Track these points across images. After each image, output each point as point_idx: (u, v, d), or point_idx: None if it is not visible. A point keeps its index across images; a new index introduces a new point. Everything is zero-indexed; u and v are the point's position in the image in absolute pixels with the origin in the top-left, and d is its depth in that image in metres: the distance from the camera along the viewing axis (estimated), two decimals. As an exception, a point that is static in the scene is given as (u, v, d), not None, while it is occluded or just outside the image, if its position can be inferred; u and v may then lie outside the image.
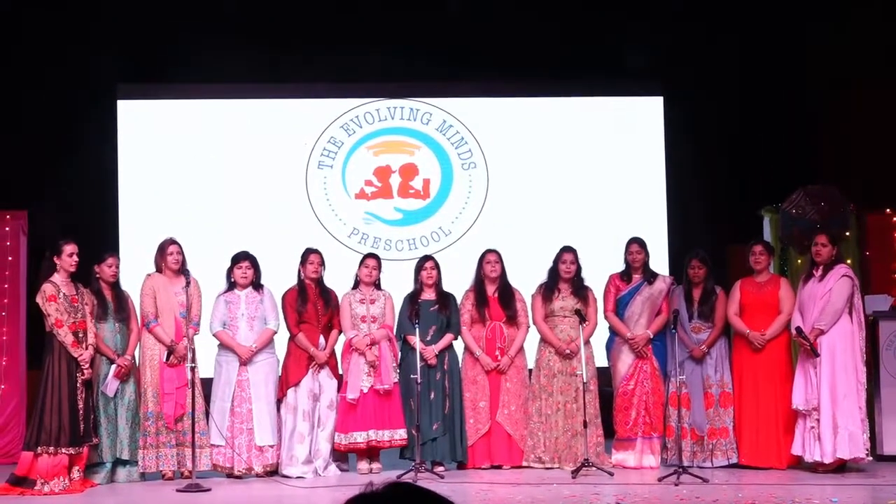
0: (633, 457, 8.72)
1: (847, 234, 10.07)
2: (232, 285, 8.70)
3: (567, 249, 9.00)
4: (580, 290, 8.90)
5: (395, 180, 11.29)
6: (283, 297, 8.72)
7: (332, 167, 11.23)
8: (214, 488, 7.90)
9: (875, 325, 9.01)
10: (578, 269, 8.95)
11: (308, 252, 8.83)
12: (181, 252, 8.69)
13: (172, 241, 8.73)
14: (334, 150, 11.23)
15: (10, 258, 9.96)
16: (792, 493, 7.27)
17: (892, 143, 10.31)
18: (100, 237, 10.06)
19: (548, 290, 8.92)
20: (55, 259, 8.07)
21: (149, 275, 8.68)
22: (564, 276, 8.91)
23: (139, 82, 11.14)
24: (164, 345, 8.45)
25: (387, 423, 8.55)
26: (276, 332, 8.70)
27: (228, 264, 8.73)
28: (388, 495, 1.75)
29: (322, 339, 8.65)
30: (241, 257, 8.72)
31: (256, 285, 8.71)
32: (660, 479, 7.90)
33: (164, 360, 8.42)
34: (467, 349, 8.91)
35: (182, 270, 8.60)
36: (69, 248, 8.08)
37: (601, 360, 9.02)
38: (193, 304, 8.57)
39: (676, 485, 7.65)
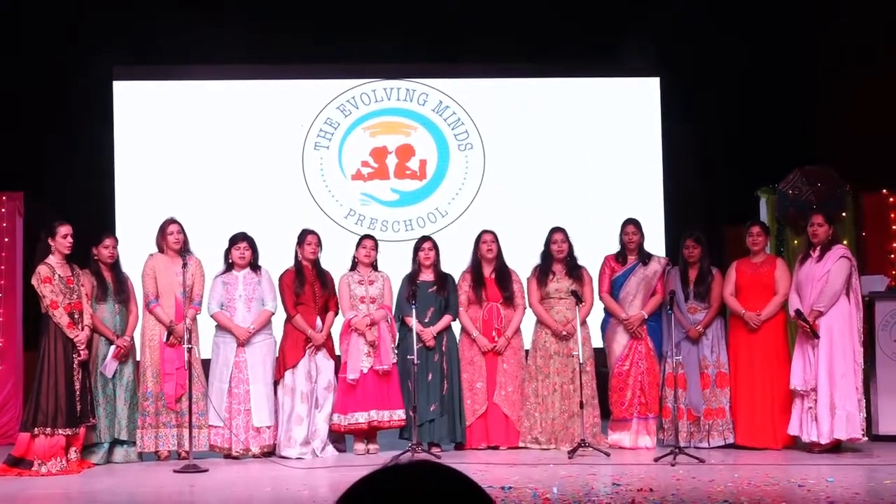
0: (629, 437, 8.74)
1: (843, 214, 10.07)
2: (229, 266, 8.70)
3: (556, 230, 9.00)
4: (575, 271, 8.90)
5: (391, 161, 11.27)
6: (280, 279, 8.72)
7: (329, 148, 11.21)
8: (212, 469, 7.91)
9: (871, 306, 9.02)
10: (570, 248, 8.94)
11: (305, 233, 8.82)
12: (182, 232, 8.69)
13: (173, 221, 8.72)
14: (331, 131, 11.21)
15: (6, 239, 9.94)
16: (788, 474, 7.30)
17: (888, 123, 10.30)
18: (97, 218, 10.05)
19: (542, 273, 8.92)
20: (50, 240, 8.06)
21: (150, 255, 8.69)
22: (557, 256, 8.91)
23: (135, 64, 11.10)
24: (164, 325, 8.47)
25: (386, 403, 8.56)
26: (273, 314, 8.70)
27: (226, 245, 8.72)
28: (415, 471, 1.75)
29: (319, 321, 8.65)
30: (239, 238, 8.71)
31: (254, 266, 8.70)
32: (656, 460, 7.93)
33: (165, 340, 8.43)
34: (464, 330, 8.91)
35: (183, 250, 8.59)
36: (63, 230, 8.06)
37: (597, 341, 9.03)
38: (196, 284, 8.57)
39: (673, 465, 7.68)
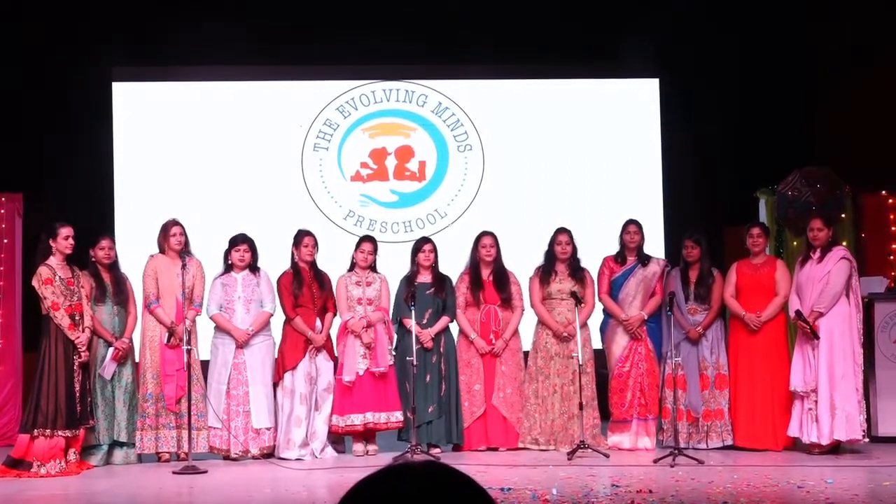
0: (628, 438, 8.73)
1: (843, 215, 10.07)
2: (228, 268, 8.69)
3: (562, 231, 9.00)
4: (577, 272, 8.90)
5: (390, 162, 11.27)
6: (278, 281, 8.71)
7: (328, 149, 11.20)
8: (211, 470, 7.91)
9: (870, 307, 9.02)
10: (574, 249, 8.94)
11: (301, 234, 8.81)
12: (184, 233, 8.68)
13: (175, 223, 8.71)
14: (330, 133, 11.21)
15: (5, 241, 9.93)
16: (787, 475, 7.29)
17: (888, 124, 10.30)
18: (96, 220, 10.05)
19: (545, 273, 8.92)
20: (51, 242, 8.05)
21: (151, 256, 8.68)
22: (561, 257, 8.91)
23: (135, 65, 11.10)
24: (165, 326, 8.46)
25: (383, 405, 8.55)
26: (272, 315, 8.70)
27: (225, 247, 8.71)
28: (422, 471, 1.76)
29: (318, 322, 8.65)
30: (240, 240, 8.70)
31: (253, 268, 8.70)
32: (655, 461, 7.93)
33: (165, 341, 8.43)
34: (462, 332, 8.91)
35: (184, 252, 8.59)
36: (65, 231, 8.06)
37: (596, 343, 9.02)
38: (196, 285, 8.57)
39: (672, 466, 7.68)
